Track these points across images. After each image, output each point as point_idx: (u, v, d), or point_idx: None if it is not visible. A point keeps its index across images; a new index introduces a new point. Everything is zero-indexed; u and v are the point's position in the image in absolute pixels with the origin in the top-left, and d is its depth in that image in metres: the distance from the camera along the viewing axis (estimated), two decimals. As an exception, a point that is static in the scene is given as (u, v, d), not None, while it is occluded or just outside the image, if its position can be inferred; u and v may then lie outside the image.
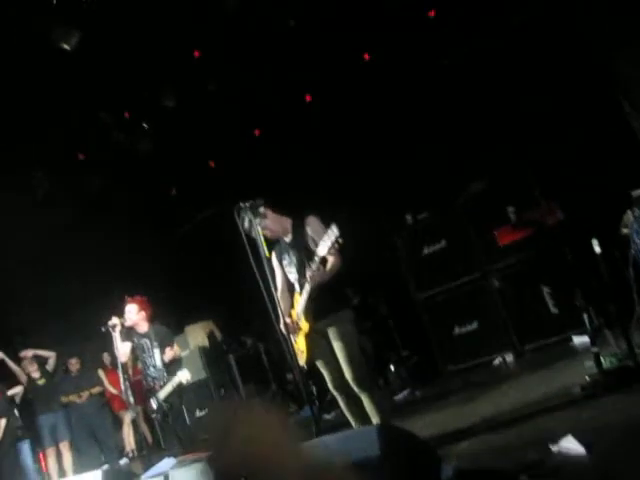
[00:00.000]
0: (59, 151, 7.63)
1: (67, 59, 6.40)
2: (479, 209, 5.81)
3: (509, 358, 5.72)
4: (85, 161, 7.95)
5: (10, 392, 7.36)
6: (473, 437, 3.41)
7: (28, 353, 7.53)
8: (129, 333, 5.28)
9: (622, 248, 4.16)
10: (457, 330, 6.07)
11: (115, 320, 5.09)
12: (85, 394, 7.88)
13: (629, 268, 4.06)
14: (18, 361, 7.49)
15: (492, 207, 5.64)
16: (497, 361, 5.76)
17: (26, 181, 7.65)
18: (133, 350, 5.28)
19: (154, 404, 5.17)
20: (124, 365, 8.69)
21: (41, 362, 7.62)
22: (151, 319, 5.31)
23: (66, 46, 6.22)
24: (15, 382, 7.49)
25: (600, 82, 4.89)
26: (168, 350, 5.15)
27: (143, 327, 5.25)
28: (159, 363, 5.18)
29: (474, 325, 5.97)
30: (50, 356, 7.69)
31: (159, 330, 5.25)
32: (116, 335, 5.09)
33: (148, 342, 5.20)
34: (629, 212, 4.23)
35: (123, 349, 5.16)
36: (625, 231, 4.24)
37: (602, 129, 5.25)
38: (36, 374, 7.48)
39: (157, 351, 5.17)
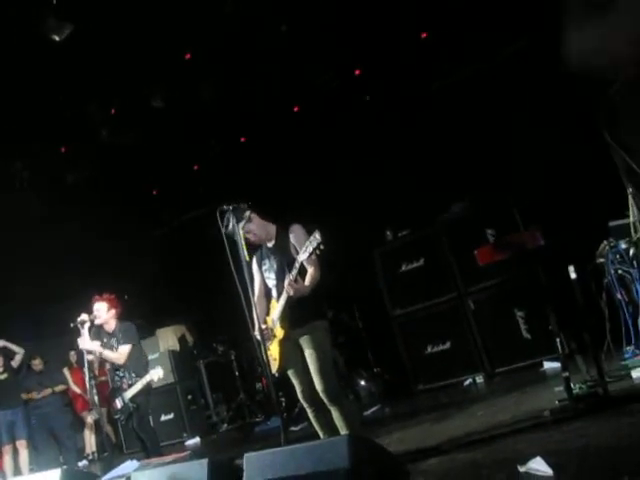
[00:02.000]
0: (42, 142, 7.51)
1: (58, 50, 6.34)
2: (459, 230, 5.87)
3: (480, 380, 5.75)
4: (67, 154, 7.85)
5: None
6: (441, 455, 3.40)
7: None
8: (98, 332, 5.20)
9: (597, 277, 4.23)
10: (430, 349, 6.09)
11: (84, 317, 5.01)
12: (47, 391, 7.70)
13: (602, 296, 4.12)
14: None
15: (472, 229, 5.70)
16: (468, 382, 5.79)
17: (6, 170, 7.52)
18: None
19: (119, 404, 5.07)
20: (90, 364, 8.56)
21: (6, 357, 7.43)
22: (120, 317, 5.24)
23: (56, 37, 6.16)
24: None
25: (584, 113, 5.01)
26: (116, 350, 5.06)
27: (111, 325, 5.18)
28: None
29: (447, 345, 6.00)
30: (18, 352, 7.51)
31: (126, 328, 5.17)
32: (84, 332, 5.01)
33: (115, 341, 5.12)
34: (605, 242, 4.31)
35: (91, 346, 5.06)
36: (601, 260, 4.32)
37: (585, 159, 5.37)
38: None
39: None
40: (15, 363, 7.49)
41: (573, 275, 3.79)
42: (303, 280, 3.38)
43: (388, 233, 6.43)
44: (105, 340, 5.15)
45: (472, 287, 5.84)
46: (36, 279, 8.23)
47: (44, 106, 7.14)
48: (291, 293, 3.29)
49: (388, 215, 6.83)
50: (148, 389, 5.07)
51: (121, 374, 5.08)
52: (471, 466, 3.03)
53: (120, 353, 5.07)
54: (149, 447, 5.05)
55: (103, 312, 5.12)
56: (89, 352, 5.13)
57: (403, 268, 6.25)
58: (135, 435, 5.20)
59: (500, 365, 5.70)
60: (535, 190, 5.72)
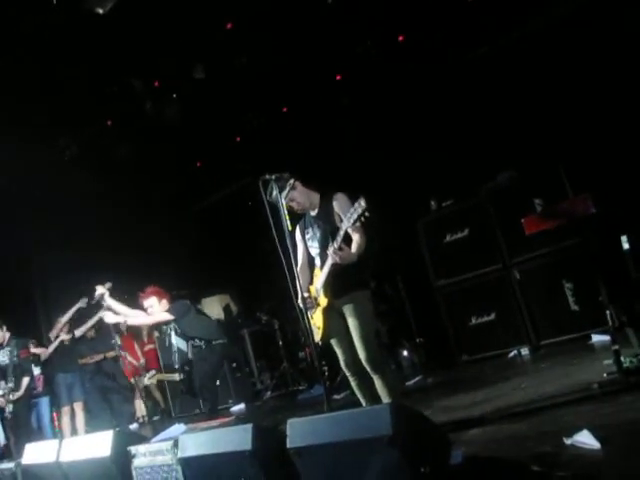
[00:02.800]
0: (89, 116, 7.67)
1: (101, 24, 6.41)
2: (505, 200, 5.72)
3: (525, 352, 5.66)
4: (113, 128, 7.99)
5: (36, 350, 7.51)
6: (484, 426, 3.38)
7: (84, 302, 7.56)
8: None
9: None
10: (474, 320, 6.01)
11: (100, 289, 5.25)
12: (99, 356, 8.03)
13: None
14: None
15: (519, 198, 5.54)
16: (513, 354, 5.71)
17: (55, 144, 7.72)
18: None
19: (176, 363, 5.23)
20: (140, 332, 8.82)
21: (71, 323, 7.72)
22: (171, 301, 5.39)
23: (100, 10, 6.22)
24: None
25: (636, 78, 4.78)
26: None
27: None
28: (181, 345, 5.29)
29: (492, 316, 5.91)
30: (93, 319, 7.75)
31: (178, 307, 5.29)
32: (109, 300, 5.20)
33: (170, 325, 5.32)
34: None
35: (123, 309, 5.26)
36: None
37: (636, 125, 5.12)
38: (64, 334, 7.59)
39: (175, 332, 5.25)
40: (79, 332, 7.78)
41: (626, 245, 3.66)
42: (348, 248, 3.36)
43: (432, 203, 6.32)
44: (163, 328, 5.35)
45: (518, 257, 5.71)
46: (79, 252, 8.52)
47: (89, 80, 7.27)
48: (337, 260, 3.27)
49: (432, 185, 6.71)
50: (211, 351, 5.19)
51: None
52: (515, 437, 3.00)
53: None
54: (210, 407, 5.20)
55: (156, 306, 5.27)
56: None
57: (447, 238, 6.15)
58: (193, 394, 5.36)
59: (546, 337, 5.59)
60: (586, 157, 5.50)
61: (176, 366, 5.38)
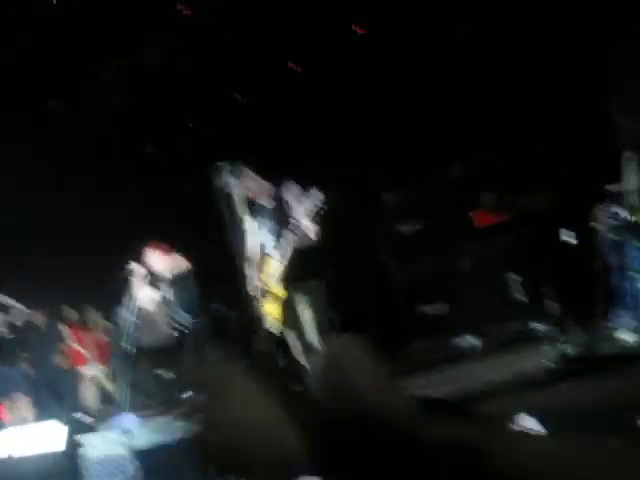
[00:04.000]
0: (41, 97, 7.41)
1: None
2: (458, 192, 5.86)
3: (473, 340, 5.82)
4: (63, 112, 7.74)
5: None
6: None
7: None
8: (154, 281, 5.24)
9: (594, 241, 4.24)
10: (425, 309, 6.15)
11: (134, 265, 5.03)
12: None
13: (597, 260, 4.15)
14: None
15: (472, 191, 5.69)
16: (461, 342, 5.86)
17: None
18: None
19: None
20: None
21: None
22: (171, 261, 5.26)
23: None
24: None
25: (591, 77, 4.92)
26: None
27: (166, 271, 5.23)
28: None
29: (442, 305, 6.06)
30: (22, 310, 7.54)
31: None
32: (136, 281, 5.05)
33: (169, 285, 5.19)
34: (600, 206, 4.29)
35: (142, 295, 5.14)
36: (596, 224, 4.32)
37: (587, 122, 5.29)
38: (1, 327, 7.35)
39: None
40: (19, 321, 7.53)
41: (571, 240, 3.81)
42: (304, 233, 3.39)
43: (386, 194, 6.41)
44: (160, 286, 5.19)
45: (468, 248, 5.86)
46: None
47: (44, 60, 7.01)
48: (292, 245, 3.29)
49: (386, 176, 6.77)
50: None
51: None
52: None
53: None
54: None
55: (155, 261, 5.15)
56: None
57: (401, 229, 6.27)
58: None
59: (494, 326, 5.77)
60: (537, 154, 5.64)
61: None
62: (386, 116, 6.97)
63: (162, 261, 5.16)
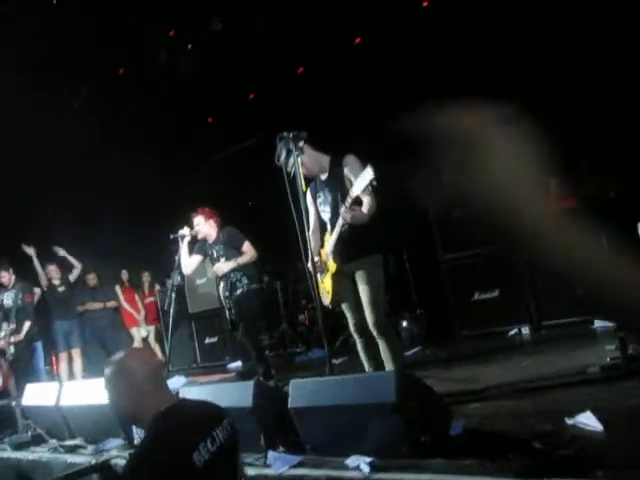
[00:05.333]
0: (101, 64, 7.53)
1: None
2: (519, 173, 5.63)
3: (525, 331, 5.66)
4: (125, 77, 7.86)
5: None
6: (484, 401, 3.40)
7: (60, 251, 7.69)
8: (203, 246, 5.23)
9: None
10: (477, 296, 6.01)
11: (185, 230, 5.06)
12: (98, 305, 8.10)
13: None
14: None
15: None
16: (513, 332, 5.72)
17: (66, 89, 7.60)
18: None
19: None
20: (142, 283, 8.81)
21: (64, 271, 7.78)
22: (220, 225, 5.25)
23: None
24: (34, 284, 7.67)
25: None
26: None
27: (213, 235, 5.20)
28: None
29: (495, 293, 5.90)
30: (77, 266, 7.84)
31: (229, 231, 5.17)
32: (184, 246, 5.07)
33: (219, 249, 5.12)
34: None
35: (188, 261, 5.12)
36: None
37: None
38: (57, 281, 7.65)
39: (226, 253, 5.07)
40: (72, 277, 7.84)
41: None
42: (359, 208, 3.33)
43: (444, 176, 6.23)
44: (210, 251, 5.18)
45: (526, 237, 5.65)
46: (85, 203, 8.47)
47: (104, 27, 7.11)
48: (348, 219, 3.24)
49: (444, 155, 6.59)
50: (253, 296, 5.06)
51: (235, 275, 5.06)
52: (515, 414, 3.01)
53: (246, 251, 5.05)
54: (253, 356, 5.02)
55: (202, 225, 5.15)
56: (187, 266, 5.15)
57: (456, 214, 6.10)
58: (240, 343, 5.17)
59: (548, 318, 5.59)
60: (606, 140, 5.38)
61: (226, 294, 5.02)
62: (452, 92, 6.76)
63: (211, 227, 5.16)
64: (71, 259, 7.81)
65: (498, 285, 5.88)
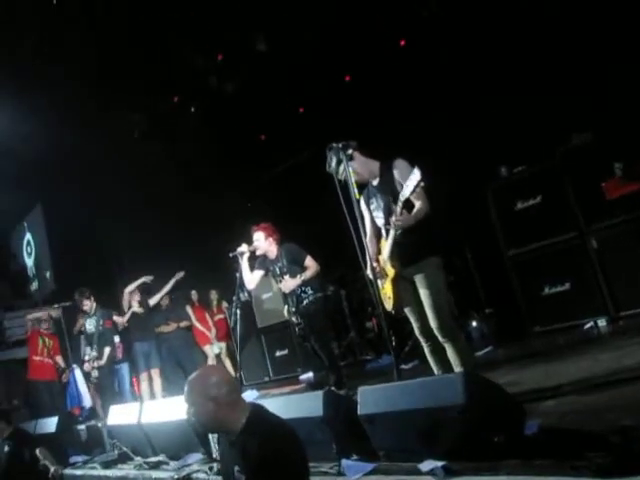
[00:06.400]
0: (156, 93, 7.87)
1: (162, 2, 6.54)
2: (581, 163, 5.43)
3: (602, 323, 5.41)
4: (179, 103, 8.19)
5: (117, 319, 7.97)
6: (560, 397, 3.28)
7: (149, 278, 8.03)
8: (263, 262, 5.27)
9: None
10: (547, 290, 5.80)
11: (244, 247, 5.10)
12: (173, 325, 8.40)
13: None
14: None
15: (596, 162, 5.25)
16: (589, 325, 5.48)
17: (125, 120, 8.00)
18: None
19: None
20: (210, 302, 9.04)
21: (144, 293, 8.13)
22: (280, 242, 5.25)
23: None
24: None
25: None
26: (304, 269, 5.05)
27: (273, 252, 5.21)
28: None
29: (566, 286, 5.68)
30: (162, 290, 8.17)
31: (289, 248, 5.17)
32: (244, 263, 5.15)
33: (281, 266, 5.14)
34: None
35: (250, 277, 5.18)
36: None
37: None
38: (136, 304, 7.99)
39: (289, 270, 5.07)
40: (153, 301, 8.17)
41: None
42: (408, 213, 3.31)
43: (503, 169, 6.09)
44: (271, 268, 5.20)
45: (596, 225, 5.43)
46: (156, 224, 8.84)
47: (155, 57, 7.44)
48: (399, 227, 3.25)
49: (503, 150, 6.46)
50: (321, 305, 5.04)
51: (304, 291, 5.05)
52: (594, 409, 2.90)
53: (309, 266, 5.04)
54: (328, 365, 4.99)
55: (262, 241, 5.16)
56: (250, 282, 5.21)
57: (519, 206, 5.93)
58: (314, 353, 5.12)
59: (626, 308, 5.32)
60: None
61: (292, 309, 5.03)
62: (501, 86, 6.64)
63: (269, 241, 5.19)
64: (169, 285, 8.11)
65: (569, 277, 5.66)
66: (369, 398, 2.97)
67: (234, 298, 5.11)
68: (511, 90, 6.58)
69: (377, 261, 3.56)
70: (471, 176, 6.63)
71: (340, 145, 3.41)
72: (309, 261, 5.06)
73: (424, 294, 3.39)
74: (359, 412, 2.97)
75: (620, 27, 5.77)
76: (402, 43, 7.77)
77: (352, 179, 3.38)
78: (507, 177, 6.10)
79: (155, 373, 7.99)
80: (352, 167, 3.50)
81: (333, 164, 3.46)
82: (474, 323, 6.79)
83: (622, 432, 2.43)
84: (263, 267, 5.20)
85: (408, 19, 7.37)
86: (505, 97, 6.63)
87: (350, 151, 3.49)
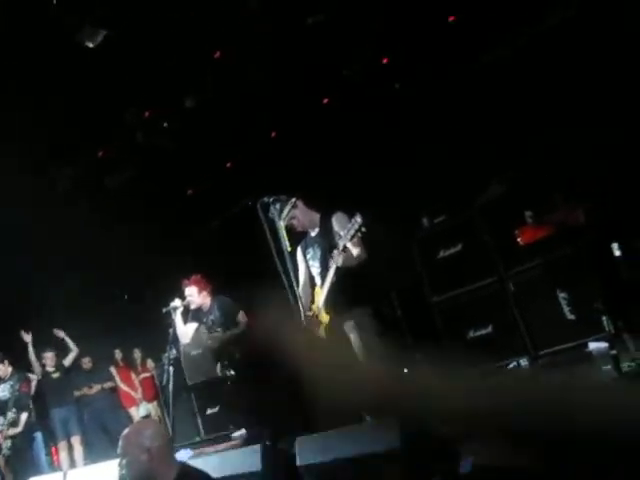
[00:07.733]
0: (81, 147, 7.74)
1: (91, 57, 6.53)
2: (497, 212, 5.80)
3: (524, 363, 5.68)
4: (106, 158, 8.07)
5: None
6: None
7: (60, 333, 7.64)
8: (197, 314, 5.22)
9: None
10: (471, 334, 6.04)
11: (177, 302, 5.03)
12: (96, 387, 7.98)
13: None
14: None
15: (511, 211, 5.63)
16: (512, 365, 5.73)
17: (48, 176, 7.77)
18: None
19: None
20: (134, 360, 8.68)
21: (59, 356, 7.70)
22: (213, 294, 5.25)
23: (90, 44, 6.34)
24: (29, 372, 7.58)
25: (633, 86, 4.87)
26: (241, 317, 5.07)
27: (207, 304, 5.20)
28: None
29: (489, 329, 5.94)
30: (73, 350, 7.78)
31: (223, 301, 5.18)
32: (177, 317, 5.06)
33: (213, 318, 5.12)
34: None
35: (184, 330, 5.11)
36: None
37: (627, 135, 5.24)
38: (51, 368, 7.56)
39: (222, 323, 5.08)
40: (67, 362, 7.75)
41: (617, 252, 3.75)
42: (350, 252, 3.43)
43: (424, 220, 6.40)
44: (205, 320, 5.16)
45: (512, 270, 5.76)
46: (79, 282, 8.50)
47: (80, 112, 7.35)
48: (339, 263, 3.34)
49: (423, 201, 6.80)
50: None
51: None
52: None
53: (242, 322, 5.07)
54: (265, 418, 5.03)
55: (195, 296, 5.14)
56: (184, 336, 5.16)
57: (441, 254, 6.22)
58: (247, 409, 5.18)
59: (544, 347, 5.62)
60: (575, 168, 5.61)
61: (225, 363, 5.13)
62: (422, 142, 7.06)
63: (202, 295, 5.18)
64: (69, 342, 7.75)
65: (490, 321, 5.92)
66: (307, 448, 2.97)
67: (165, 355, 4.99)
68: (429, 148, 7.01)
69: (310, 309, 3.62)
70: (397, 226, 6.90)
71: (272, 199, 3.51)
72: (242, 316, 5.06)
73: (355, 339, 3.47)
74: (298, 462, 2.96)
75: (534, 82, 6.29)
76: (325, 101, 8.12)
77: (284, 232, 3.47)
78: (430, 227, 6.41)
79: (76, 441, 7.52)
80: (295, 214, 3.62)
81: (271, 215, 3.55)
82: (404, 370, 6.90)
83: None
84: (197, 319, 5.16)
85: (330, 78, 7.73)
86: (425, 154, 7.05)
87: (294, 199, 3.61)
